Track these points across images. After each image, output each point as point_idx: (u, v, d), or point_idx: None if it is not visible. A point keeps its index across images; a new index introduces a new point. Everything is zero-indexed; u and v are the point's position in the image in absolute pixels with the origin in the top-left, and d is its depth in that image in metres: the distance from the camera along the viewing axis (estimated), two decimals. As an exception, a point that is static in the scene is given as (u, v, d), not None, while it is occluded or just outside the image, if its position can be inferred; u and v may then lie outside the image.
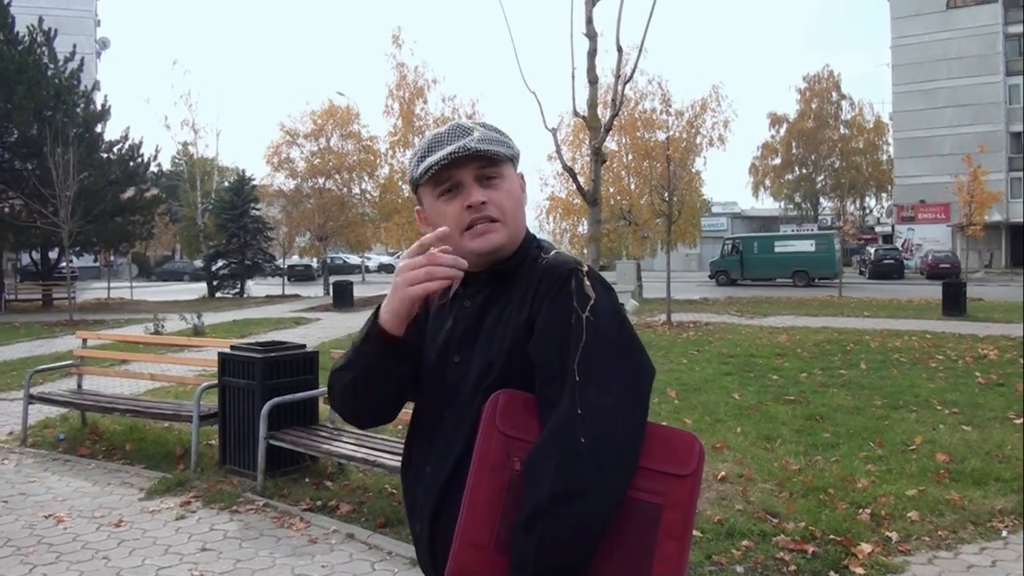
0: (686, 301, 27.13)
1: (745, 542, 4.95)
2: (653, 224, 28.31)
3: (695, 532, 5.03)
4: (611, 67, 16.94)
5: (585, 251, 31.59)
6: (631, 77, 6.82)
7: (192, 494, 6.25)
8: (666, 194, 22.26)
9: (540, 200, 32.91)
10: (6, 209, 30.56)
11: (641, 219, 28.55)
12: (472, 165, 1.75)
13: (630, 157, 28.96)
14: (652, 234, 29.85)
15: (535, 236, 1.88)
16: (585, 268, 1.68)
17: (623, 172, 29.13)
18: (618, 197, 29.00)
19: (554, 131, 6.63)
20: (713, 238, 53.79)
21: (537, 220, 33.61)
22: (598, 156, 6.14)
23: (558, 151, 7.11)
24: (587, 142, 28.08)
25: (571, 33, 6.10)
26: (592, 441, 1.52)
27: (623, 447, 1.55)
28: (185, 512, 5.90)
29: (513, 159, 1.85)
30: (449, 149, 1.73)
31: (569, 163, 6.93)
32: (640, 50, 6.39)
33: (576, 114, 6.50)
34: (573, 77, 6.23)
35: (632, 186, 29.26)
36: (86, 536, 5.44)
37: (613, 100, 6.36)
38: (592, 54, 6.10)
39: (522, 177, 1.88)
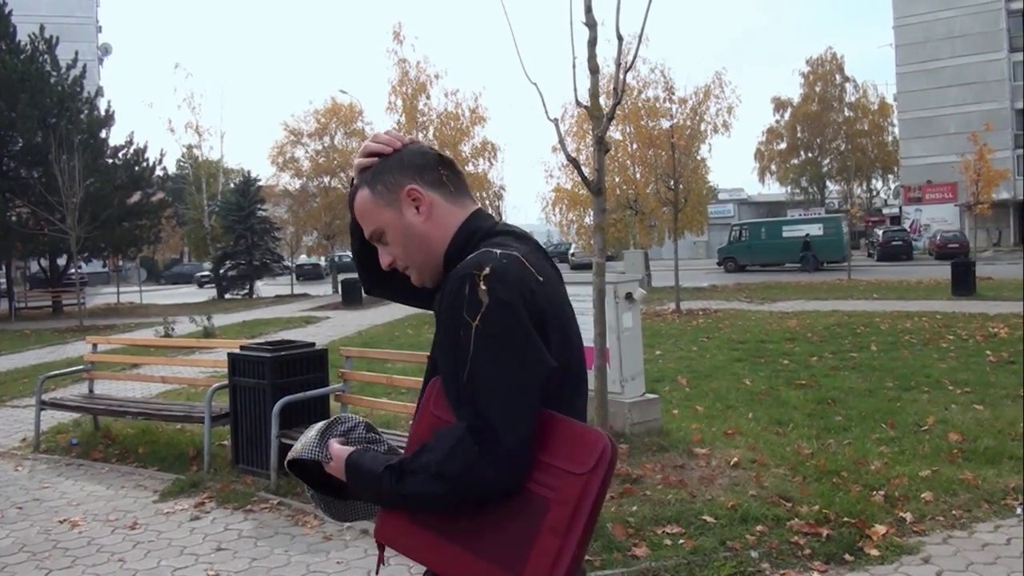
0: (695, 289, 27.12)
1: (759, 527, 4.95)
2: (660, 212, 28.26)
3: (708, 518, 5.04)
4: (612, 56, 17.01)
5: (592, 241, 31.52)
6: (632, 65, 6.78)
7: (206, 495, 6.27)
8: (672, 182, 22.24)
9: (546, 192, 32.89)
10: (13, 217, 30.59)
11: (647, 208, 28.50)
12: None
13: (635, 146, 28.90)
14: (659, 223, 29.79)
15: (477, 233, 1.84)
16: (485, 271, 1.65)
17: (628, 161, 29.06)
18: (624, 187, 28.95)
19: (556, 121, 6.58)
20: (720, 225, 53.67)
21: (544, 212, 33.62)
22: (601, 145, 6.09)
23: (561, 142, 7.05)
24: (589, 132, 28.22)
25: (571, 22, 6.05)
26: (481, 453, 1.57)
27: (508, 456, 1.58)
28: (199, 513, 5.92)
29: (384, 195, 1.85)
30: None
31: (574, 153, 6.91)
32: (640, 38, 6.36)
33: (578, 104, 6.45)
34: (574, 67, 6.18)
35: (637, 175, 29.20)
36: (101, 539, 5.46)
37: (615, 89, 6.31)
38: (592, 43, 6.04)
39: (409, 192, 1.83)
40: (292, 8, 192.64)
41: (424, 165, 1.86)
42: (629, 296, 7.51)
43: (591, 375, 5.92)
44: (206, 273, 46.29)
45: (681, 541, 4.79)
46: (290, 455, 1.90)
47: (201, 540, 5.38)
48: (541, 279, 1.71)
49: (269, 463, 6.38)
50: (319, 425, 1.91)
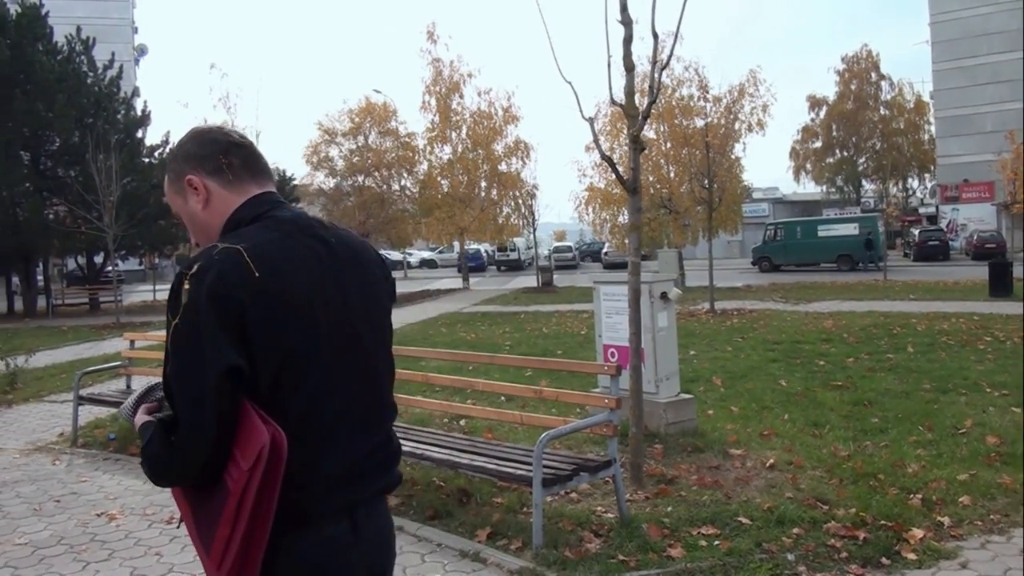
0: (729, 288, 26.95)
1: (796, 529, 4.91)
2: (694, 212, 28.09)
3: (743, 520, 5.01)
4: (646, 54, 16.91)
5: (627, 240, 31.38)
6: (667, 64, 6.75)
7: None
8: (706, 181, 22.11)
9: (579, 191, 32.82)
10: (51, 216, 31.06)
11: (681, 207, 28.37)
12: None
13: (669, 145, 28.77)
14: (693, 222, 29.62)
15: (241, 222, 1.91)
16: (193, 269, 1.75)
17: (662, 160, 28.95)
18: (658, 185, 28.83)
19: (591, 120, 6.55)
20: (755, 224, 53.23)
21: (577, 211, 33.56)
22: (636, 144, 6.06)
23: (596, 140, 7.01)
24: (623, 131, 28.07)
25: (606, 20, 6.03)
26: (167, 445, 1.76)
27: (186, 453, 1.73)
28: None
29: (174, 183, 2.00)
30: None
31: (608, 152, 6.88)
32: (676, 36, 6.30)
33: (613, 102, 6.42)
34: (609, 65, 6.15)
35: (671, 174, 29.07)
36: (138, 533, 5.52)
37: (650, 87, 6.28)
38: (628, 41, 6.01)
39: (189, 182, 1.95)
40: (327, 8, 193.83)
41: (204, 155, 1.94)
42: (664, 295, 7.49)
43: (625, 374, 5.90)
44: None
45: (717, 542, 4.76)
46: (118, 411, 2.24)
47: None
48: (258, 274, 1.74)
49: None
50: (141, 390, 2.06)
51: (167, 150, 34.08)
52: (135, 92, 38.99)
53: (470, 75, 35.16)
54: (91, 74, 32.76)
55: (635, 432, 5.93)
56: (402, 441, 5.95)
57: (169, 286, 1.83)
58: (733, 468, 6.29)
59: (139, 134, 34.38)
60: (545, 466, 4.84)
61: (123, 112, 33.86)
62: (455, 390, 8.85)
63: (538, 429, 6.14)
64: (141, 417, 1.91)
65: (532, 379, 9.75)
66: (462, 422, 8.17)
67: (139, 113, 35.46)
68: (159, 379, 1.91)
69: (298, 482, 1.74)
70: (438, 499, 5.84)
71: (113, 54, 34.59)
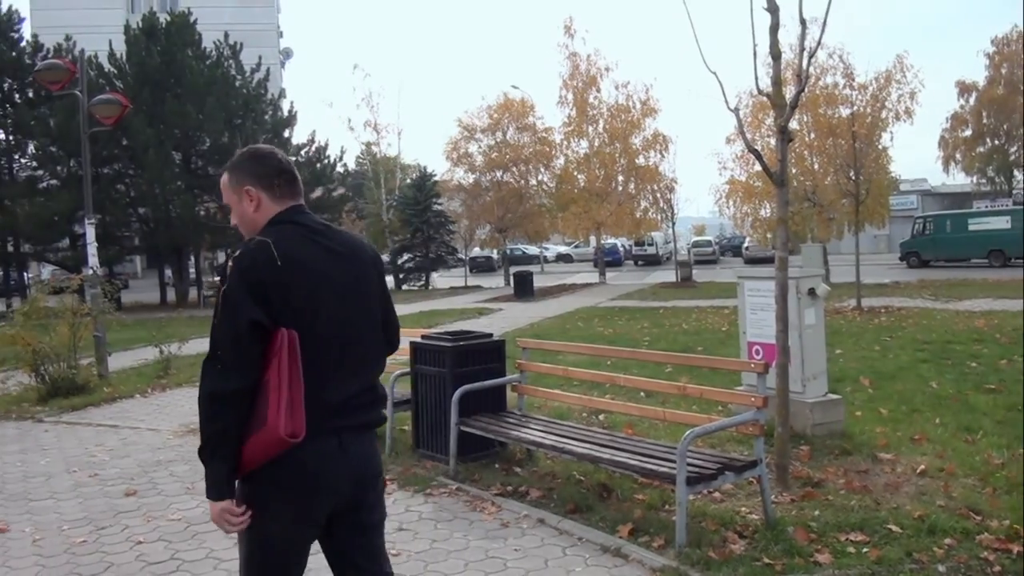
0: (876, 285, 26.09)
1: (947, 540, 4.74)
2: (839, 205, 27.18)
3: (893, 527, 4.88)
4: (790, 42, 16.46)
5: (769, 235, 30.80)
6: (815, 50, 6.59)
7: (388, 476, 6.51)
8: (852, 172, 21.40)
9: (719, 184, 32.26)
10: (202, 212, 32.67)
11: (826, 200, 27.48)
12: None
13: (812, 135, 27.89)
14: (838, 215, 28.63)
15: (274, 224, 2.75)
16: (236, 254, 2.62)
17: (805, 152, 28.09)
18: (801, 178, 28.03)
19: (736, 111, 6.48)
20: (903, 217, 51.20)
21: (717, 205, 33.00)
22: (784, 134, 5.95)
23: (741, 131, 6.92)
24: (765, 122, 27.45)
25: (751, 8, 5.94)
26: (213, 371, 2.56)
27: (227, 372, 2.52)
28: (383, 494, 6.16)
29: (234, 187, 2.85)
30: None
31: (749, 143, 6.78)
32: (824, 22, 6.14)
33: (759, 92, 6.32)
34: (755, 54, 6.05)
35: (816, 166, 28.19)
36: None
37: (798, 75, 6.16)
38: (774, 29, 5.91)
39: (247, 192, 2.81)
40: (465, 7, 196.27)
41: (261, 174, 2.79)
42: (812, 292, 7.32)
43: (772, 373, 5.80)
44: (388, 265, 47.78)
45: (865, 550, 4.65)
46: None
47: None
48: (278, 259, 2.57)
49: (448, 449, 6.57)
50: None
51: (313, 149, 35.47)
52: (281, 94, 40.46)
53: (607, 69, 35.04)
54: (239, 77, 34.28)
55: (781, 432, 5.83)
56: (543, 435, 6.04)
57: None
58: (882, 473, 6.13)
59: (286, 134, 35.77)
60: (689, 464, 4.83)
61: (270, 113, 35.30)
62: (592, 384, 8.90)
63: (680, 426, 6.14)
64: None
65: (671, 375, 9.70)
66: (601, 417, 8.20)
67: (286, 113, 36.88)
68: None
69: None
70: (579, 493, 5.89)
71: (260, 58, 36.03)
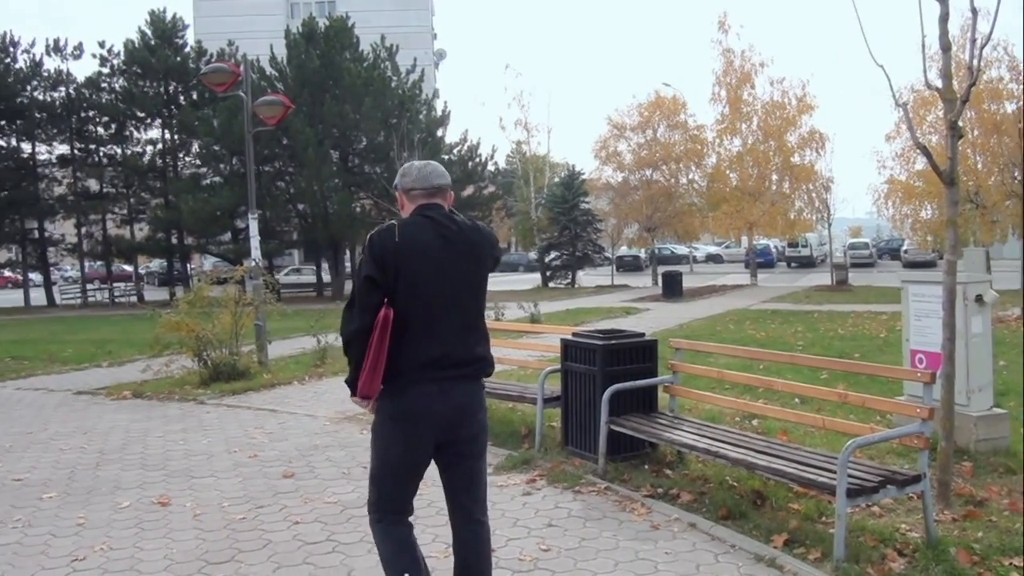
0: (1044, 293, 24.56)
1: None
2: (1003, 206, 25.70)
3: None
4: (953, 34, 15.63)
5: (929, 237, 29.38)
6: (986, 42, 6.22)
7: (537, 472, 6.55)
8: (1017, 172, 20.18)
9: (878, 183, 31.02)
10: (358, 209, 33.74)
11: (989, 201, 26.01)
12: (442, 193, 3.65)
13: (976, 133, 26.44)
14: (1002, 217, 27.07)
15: (407, 218, 3.55)
16: (372, 232, 3.46)
17: (968, 150, 26.67)
18: (964, 178, 26.57)
19: (904, 106, 6.20)
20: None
21: (875, 205, 31.78)
22: (955, 131, 5.64)
23: (910, 127, 6.61)
24: (927, 119, 26.20)
25: (919, -1, 5.66)
26: (350, 313, 3.47)
27: (358, 314, 3.39)
28: (531, 489, 6.19)
29: (398, 189, 3.68)
30: (439, 183, 3.61)
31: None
32: (996, 12, 5.78)
33: (928, 86, 6.02)
34: (923, 46, 5.76)
35: (979, 165, 26.73)
36: (440, 502, 5.81)
37: (970, 68, 5.83)
38: (944, 19, 5.62)
39: (400, 195, 3.67)
40: (617, 4, 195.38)
41: (409, 187, 3.57)
42: (979, 298, 6.93)
43: (938, 383, 5.52)
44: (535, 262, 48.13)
45: (1033, 575, 4.38)
46: None
47: (533, 515, 5.62)
48: (397, 240, 3.36)
49: (597, 448, 6.53)
50: None
51: (465, 147, 36.22)
52: (435, 94, 41.41)
53: (762, 64, 34.34)
54: (395, 78, 35.29)
55: (945, 447, 5.55)
56: (695, 438, 5.93)
57: None
58: (1056, 494, 5.75)
59: (439, 133, 36.58)
60: (850, 475, 4.64)
61: (424, 113, 36.14)
62: (745, 388, 8.69)
63: (839, 435, 5.93)
64: None
65: (827, 382, 9.38)
66: (755, 422, 8.00)
67: (439, 113, 37.69)
68: None
69: (405, 362, 3.37)
70: (731, 499, 5.75)
71: (415, 59, 36.97)
